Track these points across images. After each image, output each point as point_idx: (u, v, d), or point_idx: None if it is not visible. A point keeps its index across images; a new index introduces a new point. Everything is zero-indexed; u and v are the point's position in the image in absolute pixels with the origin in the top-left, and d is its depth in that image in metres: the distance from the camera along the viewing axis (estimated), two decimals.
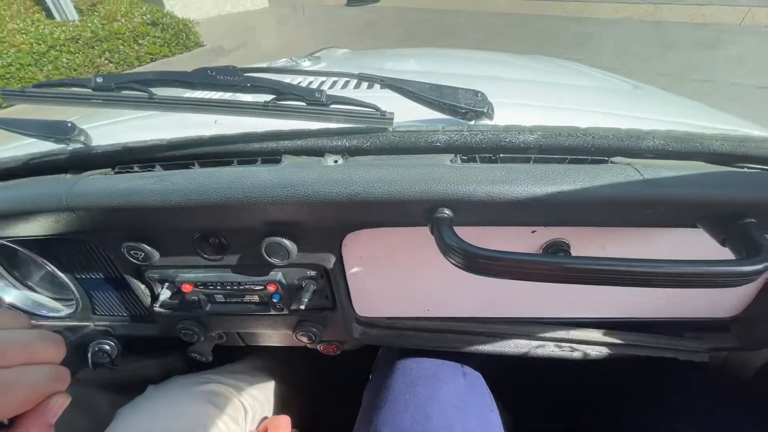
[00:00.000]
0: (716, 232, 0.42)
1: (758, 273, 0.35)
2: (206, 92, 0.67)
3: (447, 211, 0.43)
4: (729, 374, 0.74)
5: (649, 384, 0.83)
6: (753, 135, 0.46)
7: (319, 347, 0.74)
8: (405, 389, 0.72)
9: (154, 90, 0.46)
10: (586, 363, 0.67)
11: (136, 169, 0.53)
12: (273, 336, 0.76)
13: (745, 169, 0.44)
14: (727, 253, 0.41)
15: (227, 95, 0.50)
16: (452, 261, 0.40)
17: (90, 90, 0.45)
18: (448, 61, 0.98)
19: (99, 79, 0.44)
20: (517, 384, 1.01)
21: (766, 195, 0.40)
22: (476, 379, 0.77)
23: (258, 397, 0.78)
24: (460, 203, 0.42)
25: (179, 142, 0.51)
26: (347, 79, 0.73)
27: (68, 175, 0.55)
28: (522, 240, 0.52)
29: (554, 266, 0.38)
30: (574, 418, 0.93)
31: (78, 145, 0.61)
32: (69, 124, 0.61)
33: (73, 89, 0.45)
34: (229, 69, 0.46)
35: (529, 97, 0.68)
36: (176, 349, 1.01)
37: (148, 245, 0.55)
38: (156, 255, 0.56)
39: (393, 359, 0.80)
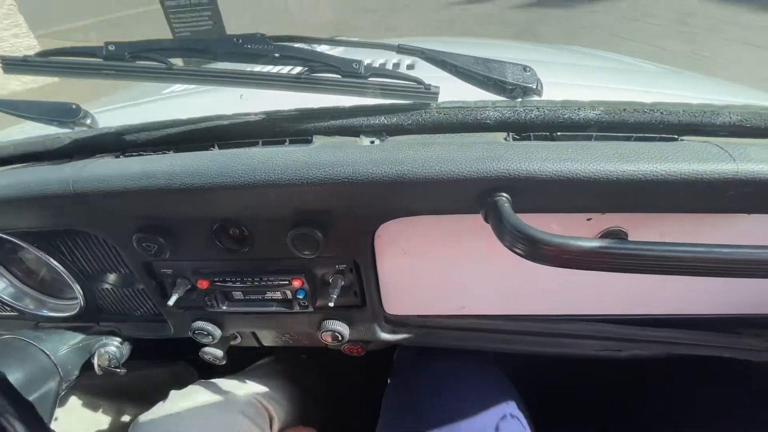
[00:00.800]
0: None
1: None
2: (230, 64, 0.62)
3: (505, 194, 0.38)
4: None
5: (687, 385, 0.79)
6: None
7: (343, 347, 0.69)
8: (428, 390, 0.67)
9: (173, 61, 0.42)
10: (621, 362, 0.62)
11: (149, 152, 0.48)
12: (293, 336, 0.71)
13: None
14: None
15: (255, 67, 0.45)
16: (517, 249, 0.36)
17: (101, 60, 0.40)
18: (483, 48, 0.93)
19: (111, 47, 0.39)
20: (538, 381, 0.96)
21: None
22: (500, 377, 0.72)
23: (282, 403, 0.73)
24: (522, 184, 0.38)
25: (197, 120, 0.46)
26: (386, 53, 0.68)
27: (74, 161, 0.50)
28: (577, 229, 0.47)
29: (632, 255, 0.33)
30: (604, 420, 0.89)
31: (84, 129, 0.56)
32: (74, 106, 0.56)
33: (82, 59, 0.40)
34: (257, 37, 0.41)
35: (577, 78, 0.64)
36: (185, 355, 0.96)
37: (161, 236, 0.50)
38: (170, 247, 0.51)
39: (412, 359, 0.76)
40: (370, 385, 0.86)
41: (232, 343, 0.74)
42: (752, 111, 0.41)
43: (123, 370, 0.68)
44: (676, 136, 0.42)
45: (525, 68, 0.48)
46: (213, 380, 0.70)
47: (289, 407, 0.75)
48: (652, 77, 0.75)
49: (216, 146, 0.47)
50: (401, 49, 0.46)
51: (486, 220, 0.39)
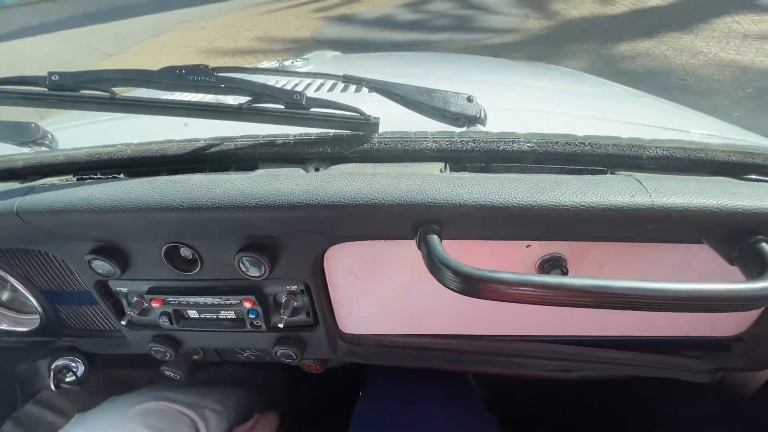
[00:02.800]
0: (724, 249, 0.39)
1: None
2: (180, 93, 0.63)
3: (435, 225, 0.39)
4: (727, 394, 0.71)
5: (643, 403, 0.80)
6: (760, 145, 0.43)
7: (302, 364, 0.69)
8: (399, 409, 0.68)
9: (118, 90, 0.43)
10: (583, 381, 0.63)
11: (99, 176, 0.48)
12: (254, 352, 0.72)
13: (754, 182, 0.41)
14: (734, 272, 0.38)
15: (200, 96, 0.46)
16: (442, 281, 0.37)
17: (45, 89, 0.41)
18: (440, 64, 0.95)
19: (55, 77, 0.40)
20: (514, 399, 0.97)
21: None
22: (472, 396, 0.73)
23: (216, 409, 0.72)
24: (449, 217, 0.39)
25: (146, 148, 0.47)
26: (333, 81, 0.69)
27: (27, 182, 0.51)
28: (516, 255, 0.48)
29: (558, 290, 0.34)
30: None
31: (42, 149, 0.57)
32: (33, 125, 0.57)
33: (25, 88, 0.41)
34: (201, 68, 0.42)
35: (525, 103, 0.65)
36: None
37: (112, 257, 0.51)
38: (121, 268, 0.52)
39: (384, 377, 0.76)
40: (340, 398, 0.86)
41: (195, 357, 0.74)
42: (678, 146, 0.42)
43: (80, 386, 0.68)
44: (606, 169, 0.43)
45: (469, 98, 0.50)
46: (127, 395, 0.70)
47: (235, 415, 0.75)
48: (610, 103, 0.77)
49: (165, 171, 0.48)
50: (347, 79, 0.47)
51: (419, 248, 0.40)
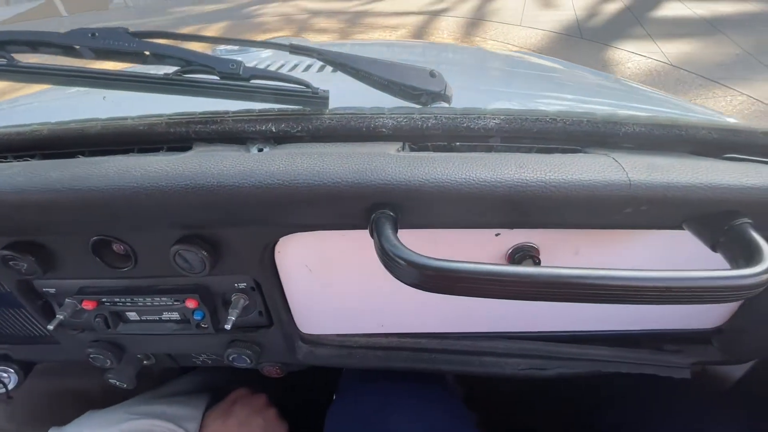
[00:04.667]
0: (706, 234, 0.36)
1: (762, 284, 0.29)
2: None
3: (389, 211, 0.35)
4: (706, 387, 0.69)
5: (623, 397, 0.78)
6: (742, 124, 0.40)
7: (261, 369, 0.64)
8: (373, 415, 0.64)
9: (20, 56, 0.36)
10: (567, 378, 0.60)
11: (10, 159, 0.42)
12: (210, 356, 0.66)
13: (737, 161, 0.38)
14: (717, 259, 0.35)
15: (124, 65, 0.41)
16: (393, 274, 0.32)
17: None
18: (401, 50, 0.90)
19: None
20: (493, 399, 0.94)
21: (763, 189, 0.33)
22: (450, 398, 0.69)
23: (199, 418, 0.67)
24: (403, 200, 0.34)
25: (64, 127, 0.41)
26: (295, 62, 0.63)
27: None
28: (484, 246, 0.44)
29: (523, 281, 0.30)
30: None
31: None
32: None
33: None
34: (118, 32, 0.36)
35: (495, 84, 0.61)
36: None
37: (30, 253, 0.44)
38: (43, 266, 0.45)
39: (358, 380, 0.72)
40: (314, 401, 0.81)
41: (146, 363, 0.68)
42: (656, 122, 0.39)
43: (11, 398, 0.61)
44: (579, 147, 0.39)
45: (432, 73, 0.45)
46: (107, 410, 0.64)
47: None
48: (581, 87, 0.74)
49: (87, 153, 0.42)
50: (294, 49, 0.42)
51: (372, 237, 0.36)
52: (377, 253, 0.33)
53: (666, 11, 4.15)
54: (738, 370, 0.65)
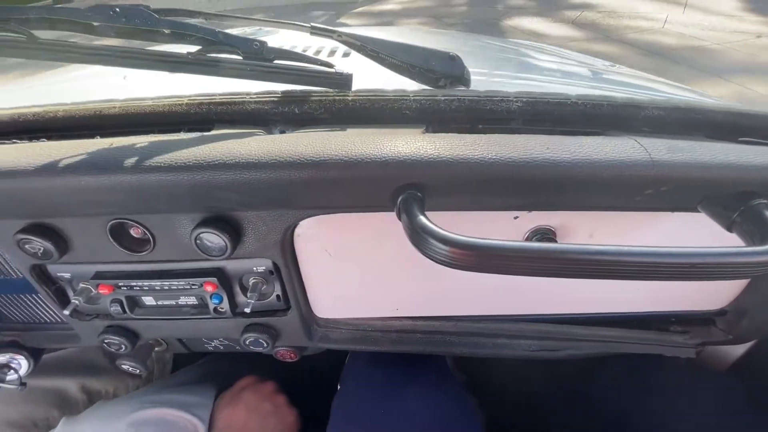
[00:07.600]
0: (722, 214, 0.37)
1: None
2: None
3: (417, 192, 0.35)
4: (702, 368, 0.71)
5: (622, 379, 0.80)
6: (755, 109, 0.41)
7: (275, 353, 0.65)
8: (378, 401, 0.65)
9: (39, 33, 0.36)
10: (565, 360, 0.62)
11: (24, 140, 0.41)
12: (222, 342, 0.66)
13: (753, 144, 0.39)
14: (729, 242, 0.36)
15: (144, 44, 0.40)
16: (423, 252, 0.33)
17: None
18: (416, 35, 0.90)
19: None
20: (494, 381, 0.96)
21: None
22: (453, 383, 0.71)
23: (210, 405, 0.67)
24: (433, 181, 0.35)
25: (82, 108, 0.40)
26: (318, 48, 0.63)
27: None
28: (502, 228, 0.45)
29: (551, 257, 0.31)
30: (551, 416, 0.89)
31: None
32: None
33: None
34: (140, 9, 0.36)
35: (510, 68, 0.61)
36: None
37: (46, 237, 0.44)
38: (59, 249, 0.45)
39: (363, 367, 0.73)
40: (320, 389, 0.82)
41: (158, 349, 0.68)
42: (675, 105, 0.39)
43: (24, 385, 0.61)
44: (599, 130, 0.40)
45: (452, 57, 0.45)
46: (119, 400, 0.64)
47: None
48: (595, 75, 0.75)
49: (104, 134, 0.41)
50: (315, 30, 0.41)
51: (399, 218, 0.36)
52: (406, 232, 0.34)
53: None
54: (738, 350, 0.67)
